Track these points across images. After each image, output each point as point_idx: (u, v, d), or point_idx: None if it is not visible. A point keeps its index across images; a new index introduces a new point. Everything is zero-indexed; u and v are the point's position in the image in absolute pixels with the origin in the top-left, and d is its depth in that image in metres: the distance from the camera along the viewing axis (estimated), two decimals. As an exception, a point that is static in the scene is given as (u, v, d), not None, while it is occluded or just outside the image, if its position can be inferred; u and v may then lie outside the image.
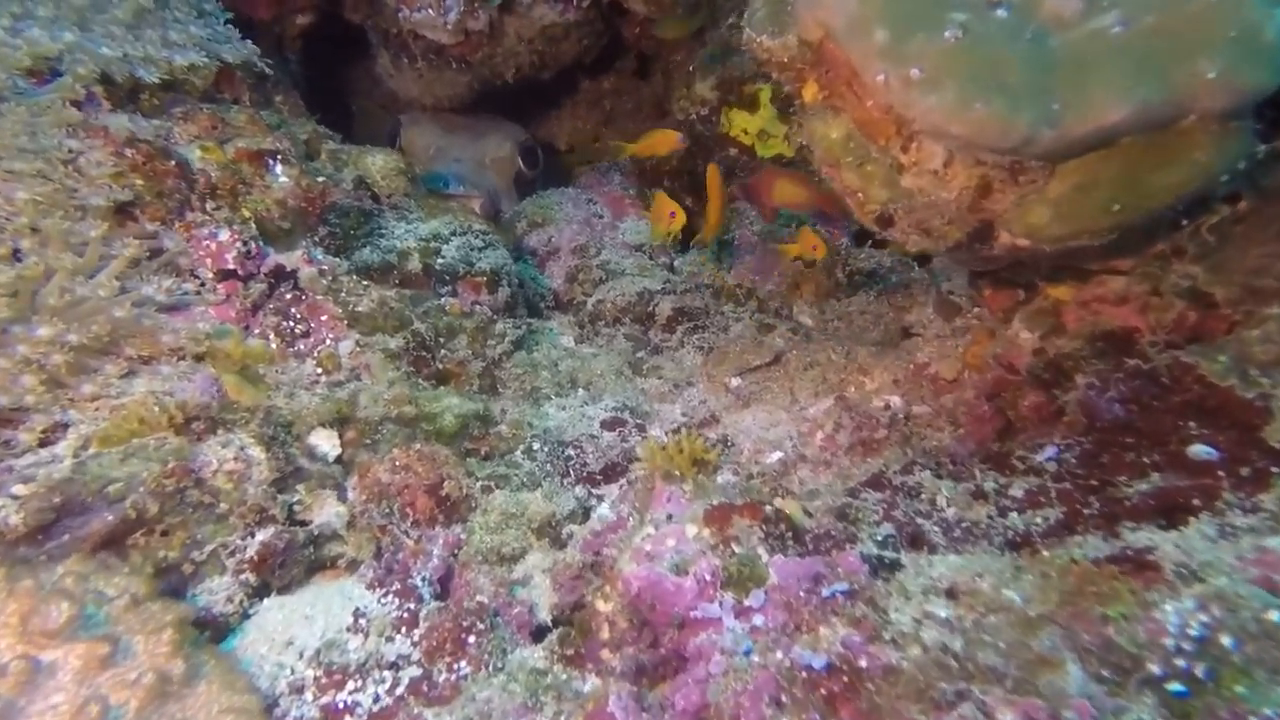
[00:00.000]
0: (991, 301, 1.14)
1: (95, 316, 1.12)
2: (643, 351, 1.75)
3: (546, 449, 1.35)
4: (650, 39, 2.29)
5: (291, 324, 1.39)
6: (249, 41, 1.64)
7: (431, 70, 2.04)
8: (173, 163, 1.32)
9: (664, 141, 1.96)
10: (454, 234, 1.65)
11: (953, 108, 0.80)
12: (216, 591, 0.93)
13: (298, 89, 2.18)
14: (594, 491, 1.30)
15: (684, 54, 2.29)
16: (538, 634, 1.00)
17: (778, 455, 1.19)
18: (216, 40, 1.58)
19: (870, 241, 1.95)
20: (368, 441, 1.28)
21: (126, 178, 1.27)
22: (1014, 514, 0.85)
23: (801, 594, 0.78)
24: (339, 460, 1.24)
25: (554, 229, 2.03)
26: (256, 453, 1.09)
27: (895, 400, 1.20)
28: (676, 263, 2.10)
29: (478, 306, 1.60)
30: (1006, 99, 0.78)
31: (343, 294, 1.45)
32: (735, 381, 1.53)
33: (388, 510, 1.16)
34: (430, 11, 1.88)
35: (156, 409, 1.06)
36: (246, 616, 0.98)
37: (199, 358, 1.25)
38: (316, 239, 1.52)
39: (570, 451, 1.36)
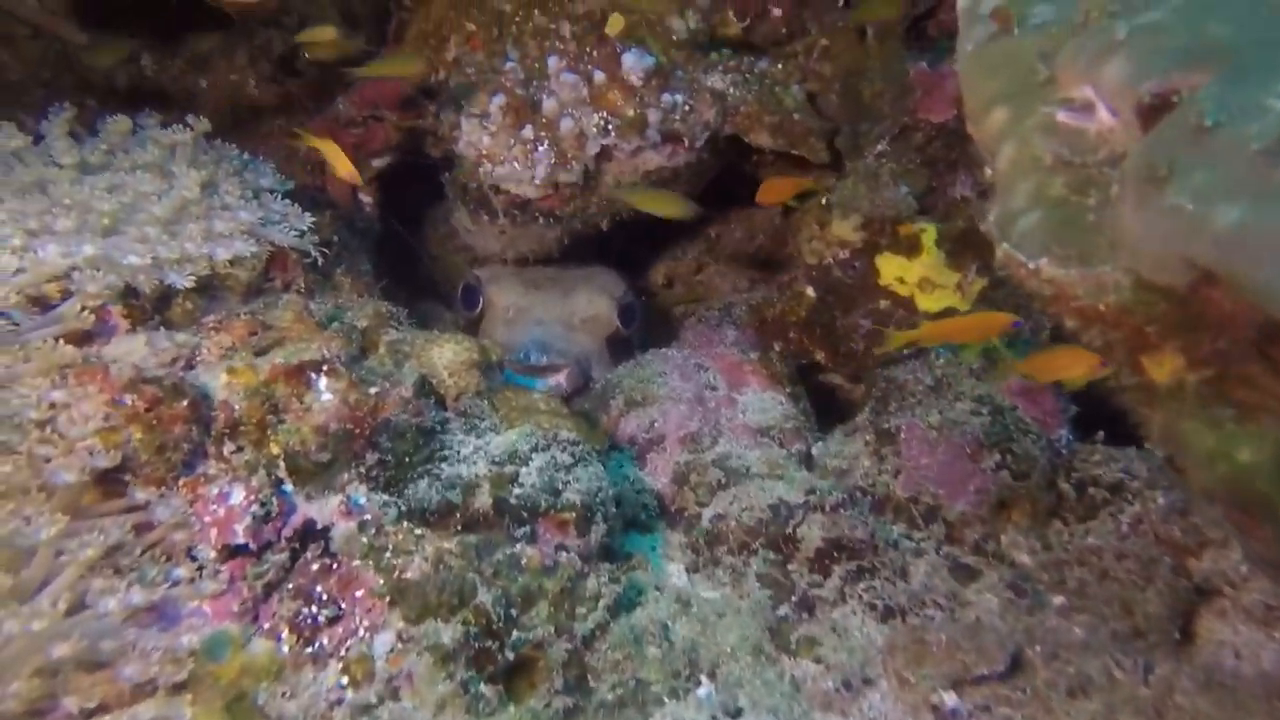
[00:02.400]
0: None
1: (22, 663, 0.78)
2: (786, 607, 1.26)
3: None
4: (771, 168, 1.92)
5: (314, 610, 1.02)
6: (308, 216, 1.39)
7: (515, 226, 1.74)
8: (184, 403, 1.01)
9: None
10: (535, 449, 1.26)
11: None
12: None
13: (369, 237, 1.95)
14: None
15: (811, 181, 1.89)
16: None
17: None
18: (269, 221, 1.33)
19: (1104, 432, 1.40)
20: (399, 824, 0.86)
21: (120, 433, 0.96)
22: None
23: None
24: None
25: (656, 410, 1.62)
26: None
27: None
28: (816, 451, 1.63)
29: (564, 554, 1.19)
30: None
31: (387, 555, 1.08)
32: (949, 700, 1.01)
33: None
34: (516, 165, 1.59)
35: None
36: None
37: (179, 688, 0.88)
38: (362, 470, 1.17)
39: None
